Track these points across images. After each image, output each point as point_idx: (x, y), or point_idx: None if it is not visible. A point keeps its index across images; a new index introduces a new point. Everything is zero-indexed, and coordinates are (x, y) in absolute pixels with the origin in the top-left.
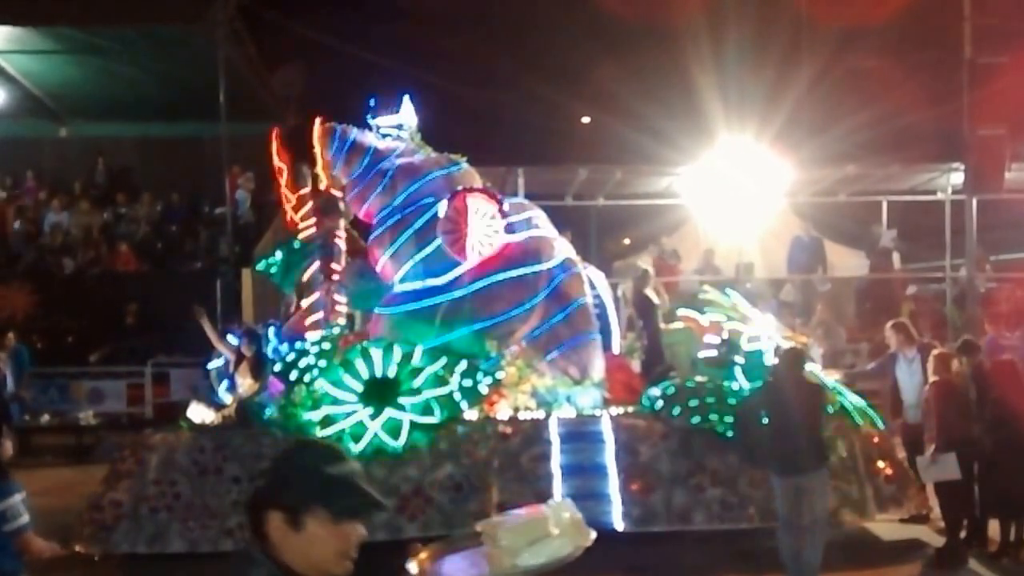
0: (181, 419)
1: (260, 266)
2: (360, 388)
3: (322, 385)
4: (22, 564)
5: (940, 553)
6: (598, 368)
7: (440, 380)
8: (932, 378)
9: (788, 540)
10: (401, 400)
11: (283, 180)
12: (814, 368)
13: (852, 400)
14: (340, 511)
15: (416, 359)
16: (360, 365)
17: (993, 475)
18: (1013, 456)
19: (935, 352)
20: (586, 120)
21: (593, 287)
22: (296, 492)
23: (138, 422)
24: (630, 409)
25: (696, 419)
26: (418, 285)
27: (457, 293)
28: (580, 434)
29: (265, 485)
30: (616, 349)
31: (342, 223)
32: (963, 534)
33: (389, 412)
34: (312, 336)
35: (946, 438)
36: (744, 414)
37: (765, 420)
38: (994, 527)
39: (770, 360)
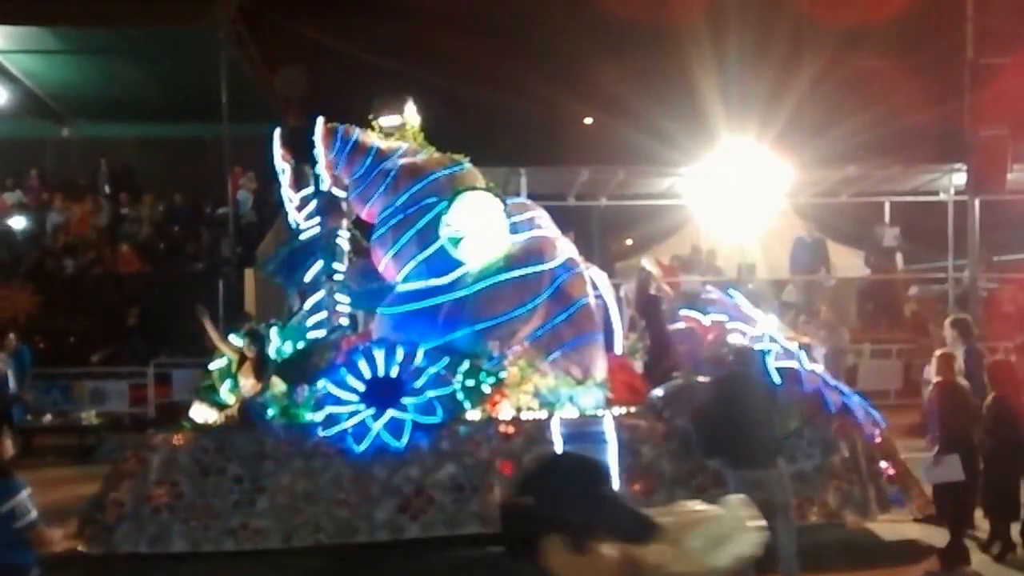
0: (183, 419)
1: (263, 267)
2: (363, 388)
3: (325, 385)
4: (34, 559)
5: (943, 554)
6: (600, 368)
7: (442, 380)
8: (935, 379)
9: None
10: (403, 400)
11: (285, 180)
12: (816, 368)
13: (854, 400)
14: (624, 534)
15: (418, 359)
16: (363, 365)
17: (992, 475)
18: (1012, 456)
19: (938, 352)
20: (588, 121)
21: (595, 287)
22: (579, 514)
23: (140, 422)
24: (632, 409)
25: None
26: (420, 285)
27: (459, 293)
28: (582, 434)
29: (538, 504)
30: (618, 349)
31: (344, 223)
32: (986, 537)
33: (391, 412)
34: (314, 336)
35: (949, 439)
36: (700, 407)
37: (720, 413)
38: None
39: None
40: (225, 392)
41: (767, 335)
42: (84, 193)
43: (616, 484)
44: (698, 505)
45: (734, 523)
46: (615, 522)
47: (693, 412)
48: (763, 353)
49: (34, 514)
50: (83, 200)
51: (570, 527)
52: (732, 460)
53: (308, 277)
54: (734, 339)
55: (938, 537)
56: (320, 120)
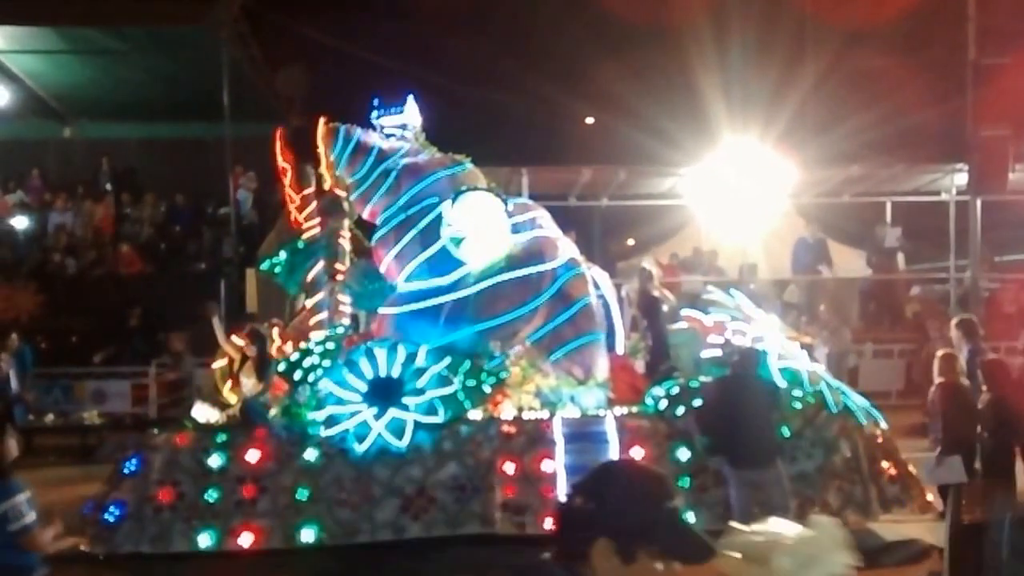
0: (185, 419)
1: (264, 266)
2: (364, 388)
3: (326, 385)
4: (38, 560)
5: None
6: (602, 368)
7: (444, 380)
8: (937, 379)
9: None
10: (405, 400)
11: (287, 180)
12: (818, 368)
13: (856, 400)
14: (677, 552)
15: (420, 359)
16: (364, 365)
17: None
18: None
19: (940, 353)
20: (590, 121)
21: (597, 287)
22: (633, 524)
23: (142, 422)
24: (634, 409)
25: None
26: (422, 285)
27: (461, 293)
28: (584, 434)
29: (595, 508)
30: (620, 349)
31: (346, 223)
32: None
33: (393, 412)
34: (316, 336)
35: (951, 440)
36: (703, 406)
37: (721, 413)
38: None
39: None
40: (227, 392)
41: (769, 335)
42: (103, 194)
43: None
44: (788, 525)
45: (824, 545)
46: (670, 539)
47: (696, 411)
48: (765, 355)
49: (30, 518)
50: (103, 201)
51: (623, 534)
52: (732, 459)
53: (310, 277)
54: (738, 341)
55: (939, 536)
56: (322, 120)
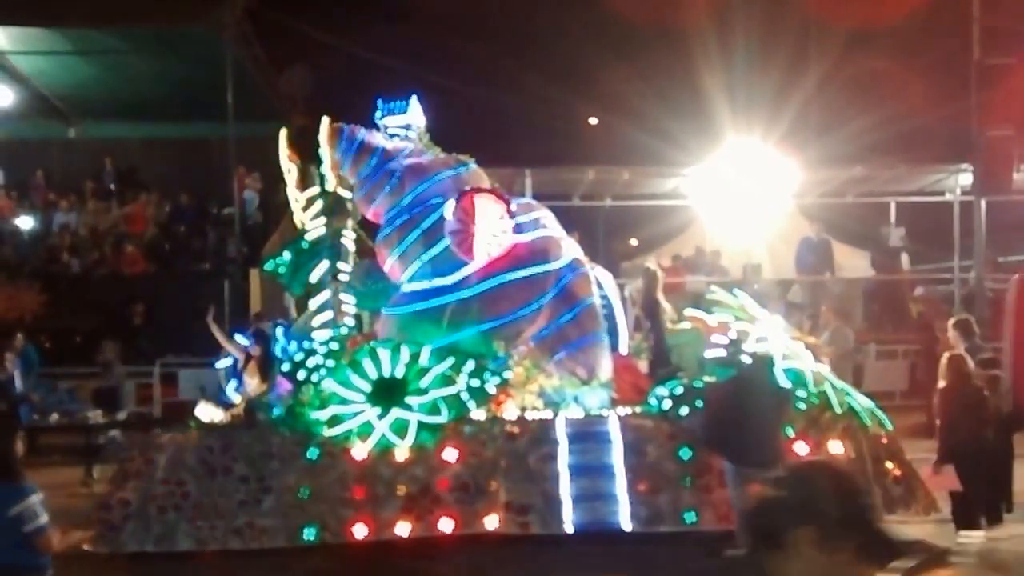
0: (189, 419)
1: (268, 266)
2: (368, 388)
3: (330, 385)
4: (48, 560)
5: (955, 515)
6: (605, 368)
7: (447, 380)
8: (940, 383)
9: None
10: (408, 400)
11: (291, 180)
12: (822, 369)
13: (860, 401)
14: (871, 548)
15: (424, 359)
16: (368, 365)
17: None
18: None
19: (947, 355)
20: (594, 121)
21: (601, 287)
22: (835, 516)
23: (147, 422)
24: (637, 409)
25: None
26: (426, 285)
27: (465, 293)
28: (587, 434)
29: (798, 498)
30: (623, 350)
31: (350, 223)
32: None
33: (397, 412)
34: (320, 336)
35: (949, 448)
36: (711, 402)
37: (729, 410)
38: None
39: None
40: (231, 391)
41: (773, 335)
42: (139, 191)
43: (622, 483)
44: None
45: None
46: (868, 534)
47: (705, 405)
48: (773, 360)
49: (43, 520)
50: (138, 199)
51: (825, 525)
52: (734, 456)
53: (313, 277)
54: (750, 344)
55: (945, 537)
56: (325, 120)
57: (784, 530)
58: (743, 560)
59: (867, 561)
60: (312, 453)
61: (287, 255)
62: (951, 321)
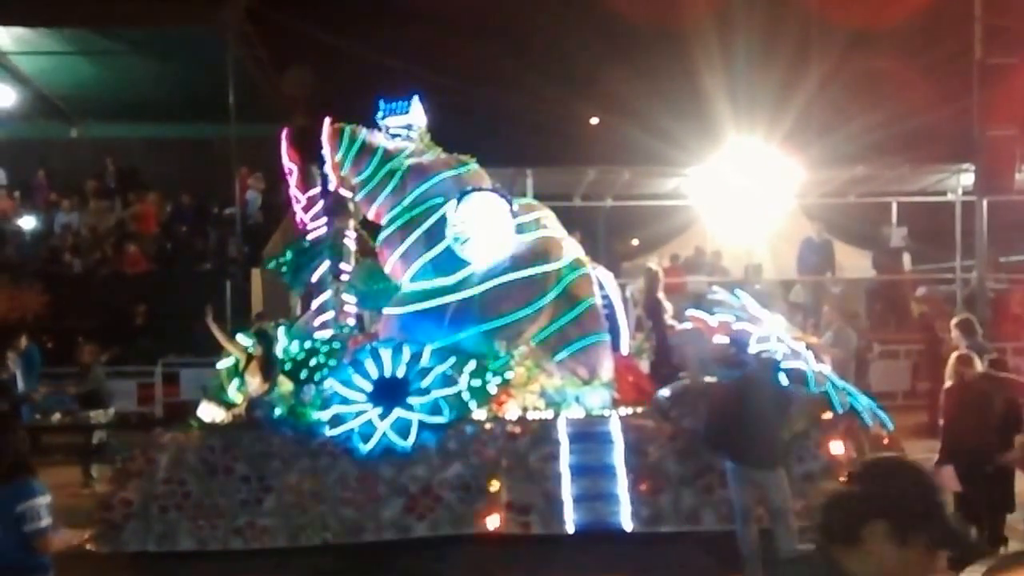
0: (191, 418)
1: (270, 266)
2: (369, 388)
3: (332, 385)
4: (48, 561)
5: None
6: (607, 368)
7: (449, 380)
8: (947, 383)
9: (745, 532)
10: (410, 400)
11: (292, 181)
12: (823, 369)
13: (862, 401)
14: (945, 544)
15: (425, 359)
16: (369, 365)
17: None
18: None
19: (954, 355)
20: (595, 121)
21: (602, 287)
22: (909, 510)
23: (148, 421)
24: (639, 410)
25: None
26: (427, 285)
27: (466, 293)
28: (589, 434)
29: (873, 492)
30: (625, 350)
31: (351, 223)
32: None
33: (398, 412)
34: (322, 336)
35: (949, 449)
36: (714, 401)
37: (731, 410)
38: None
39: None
40: (233, 391)
41: (774, 335)
42: (142, 191)
43: (623, 483)
44: None
45: None
46: (942, 530)
47: (707, 404)
48: (778, 364)
49: (46, 522)
50: (146, 198)
51: (899, 519)
52: (734, 455)
53: (315, 277)
54: (754, 347)
55: None
56: (327, 120)
57: (858, 525)
58: (811, 556)
59: (940, 556)
60: (314, 453)
61: (289, 255)
62: (953, 321)
